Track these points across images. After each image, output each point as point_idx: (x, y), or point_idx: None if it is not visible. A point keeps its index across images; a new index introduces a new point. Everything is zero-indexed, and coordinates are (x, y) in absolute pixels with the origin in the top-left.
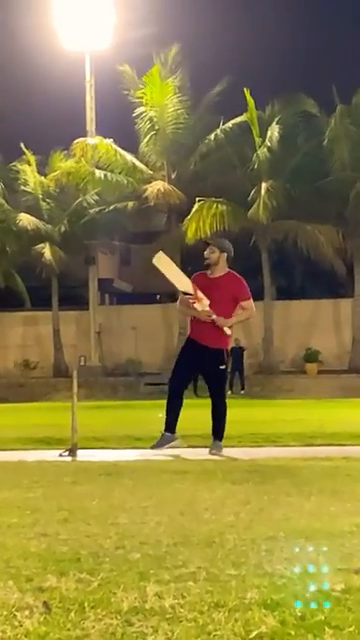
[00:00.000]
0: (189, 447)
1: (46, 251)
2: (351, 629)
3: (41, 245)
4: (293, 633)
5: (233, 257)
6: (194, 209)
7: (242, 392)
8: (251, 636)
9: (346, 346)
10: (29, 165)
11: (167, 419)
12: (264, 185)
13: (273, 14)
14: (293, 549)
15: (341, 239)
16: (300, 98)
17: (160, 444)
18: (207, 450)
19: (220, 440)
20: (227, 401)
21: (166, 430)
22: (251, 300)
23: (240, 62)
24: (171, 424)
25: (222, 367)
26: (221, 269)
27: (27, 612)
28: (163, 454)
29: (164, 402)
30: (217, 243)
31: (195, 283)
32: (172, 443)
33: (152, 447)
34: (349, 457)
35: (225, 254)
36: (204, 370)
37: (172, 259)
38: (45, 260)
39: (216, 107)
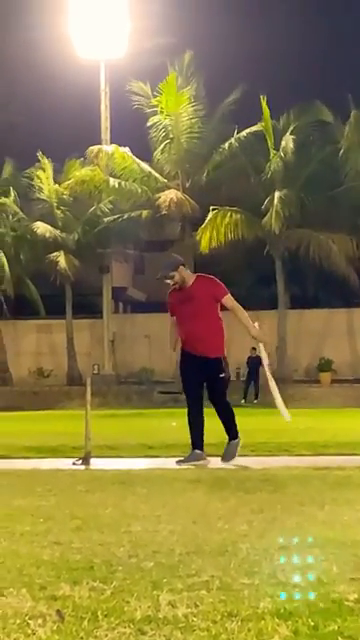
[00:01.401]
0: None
1: (60, 259)
2: None
3: (56, 253)
4: None
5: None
6: (208, 218)
7: (255, 401)
8: None
9: (359, 355)
10: (44, 172)
11: (192, 436)
12: (277, 194)
13: (287, 22)
14: (306, 558)
15: (355, 248)
16: (315, 106)
17: (186, 460)
18: (220, 459)
19: (236, 438)
20: (241, 410)
21: (194, 448)
22: (229, 294)
23: (255, 71)
24: (197, 441)
25: (222, 375)
26: (190, 278)
27: (40, 620)
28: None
29: (177, 410)
30: (170, 269)
31: (172, 299)
32: (199, 462)
33: (178, 462)
34: None
35: (180, 267)
36: (207, 380)
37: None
38: (59, 268)
39: (230, 116)
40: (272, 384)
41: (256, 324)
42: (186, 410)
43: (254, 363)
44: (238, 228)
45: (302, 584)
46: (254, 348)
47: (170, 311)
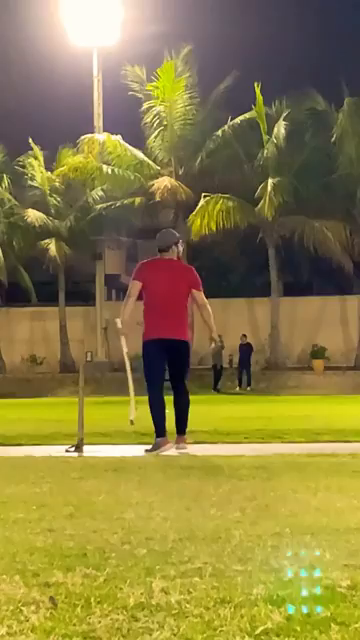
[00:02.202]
0: (195, 443)
1: (51, 247)
2: (357, 625)
3: (47, 241)
4: (299, 629)
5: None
6: (200, 205)
7: (248, 388)
8: (257, 632)
9: (353, 343)
10: (36, 159)
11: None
12: (270, 181)
13: (281, 10)
14: (299, 545)
15: (348, 235)
16: (308, 94)
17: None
18: (214, 446)
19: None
20: (235, 397)
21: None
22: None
23: (248, 58)
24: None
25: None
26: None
27: (33, 607)
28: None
29: (171, 398)
30: (174, 239)
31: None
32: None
33: (146, 451)
34: (355, 454)
35: (180, 241)
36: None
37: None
38: (50, 256)
39: (224, 104)
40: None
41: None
42: (187, 396)
43: (245, 350)
44: (230, 215)
45: (295, 570)
46: (244, 335)
47: (139, 278)
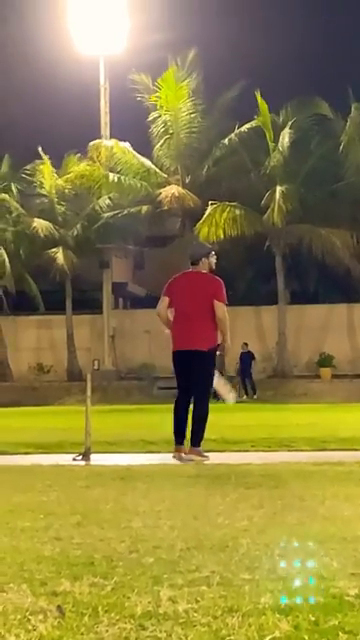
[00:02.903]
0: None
1: (58, 255)
2: None
3: (54, 249)
4: (307, 638)
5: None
6: (207, 213)
7: (255, 397)
8: None
9: None
10: (45, 167)
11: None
12: (278, 189)
13: (288, 17)
14: (307, 554)
15: (355, 243)
16: (314, 101)
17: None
18: (220, 454)
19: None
20: (241, 406)
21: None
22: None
23: (255, 66)
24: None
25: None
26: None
27: (41, 616)
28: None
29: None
30: (206, 251)
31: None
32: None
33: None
34: None
35: (212, 252)
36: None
37: (185, 263)
38: (57, 264)
39: (231, 111)
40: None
41: None
42: (205, 408)
43: (246, 358)
44: (237, 223)
45: (303, 579)
46: (246, 344)
47: (167, 293)
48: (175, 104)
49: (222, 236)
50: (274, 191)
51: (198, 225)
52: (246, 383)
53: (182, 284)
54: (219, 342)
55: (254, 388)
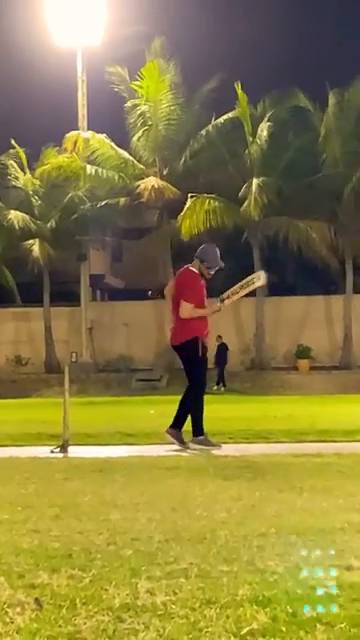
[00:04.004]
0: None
1: (35, 247)
2: (342, 625)
3: (30, 241)
4: (284, 629)
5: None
6: (187, 205)
7: (222, 389)
8: (242, 632)
9: (338, 342)
10: (18, 160)
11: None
12: (255, 181)
13: (266, 9)
14: (285, 545)
15: (333, 235)
16: (292, 93)
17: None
18: (198, 446)
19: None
20: (217, 397)
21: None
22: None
23: (233, 58)
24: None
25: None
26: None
27: (19, 609)
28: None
29: (155, 398)
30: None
31: (200, 286)
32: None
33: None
34: (340, 453)
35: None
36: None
37: (163, 255)
38: (33, 256)
39: (209, 103)
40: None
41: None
42: (189, 396)
43: (220, 350)
44: (217, 215)
45: (280, 571)
46: (220, 336)
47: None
48: (155, 96)
49: (201, 228)
50: (251, 183)
51: (179, 217)
52: (220, 374)
53: (173, 280)
54: (195, 334)
55: (223, 380)
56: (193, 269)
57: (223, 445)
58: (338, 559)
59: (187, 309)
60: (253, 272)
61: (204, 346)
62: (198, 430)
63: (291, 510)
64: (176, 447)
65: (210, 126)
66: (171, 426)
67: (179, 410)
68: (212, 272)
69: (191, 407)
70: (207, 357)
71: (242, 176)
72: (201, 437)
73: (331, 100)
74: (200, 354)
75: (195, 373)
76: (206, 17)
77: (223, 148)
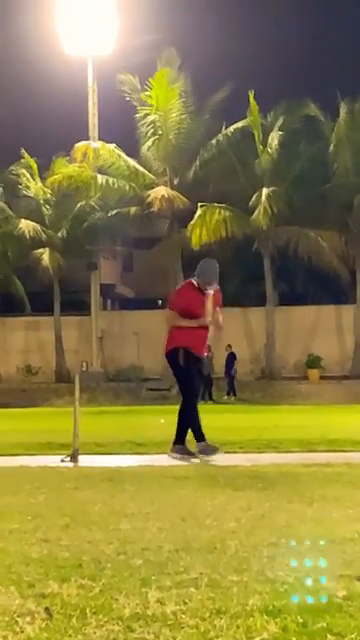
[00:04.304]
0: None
1: (45, 256)
2: (353, 636)
3: (40, 250)
4: None
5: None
6: (197, 215)
7: (233, 398)
8: None
9: (348, 352)
10: (29, 170)
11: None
12: (265, 191)
13: (277, 20)
14: (295, 556)
15: (344, 245)
16: (303, 103)
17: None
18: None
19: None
20: (228, 407)
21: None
22: None
23: (244, 68)
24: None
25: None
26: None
27: (29, 618)
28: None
29: (166, 407)
30: (217, 277)
31: (194, 298)
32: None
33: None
34: (351, 463)
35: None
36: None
37: (173, 264)
38: (43, 266)
39: (219, 113)
40: None
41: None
42: (182, 406)
43: (229, 359)
44: (227, 225)
45: (291, 581)
46: (229, 345)
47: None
48: (165, 105)
49: (212, 238)
50: (261, 193)
51: (189, 227)
52: (230, 384)
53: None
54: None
55: (234, 389)
56: (193, 281)
57: (233, 455)
58: (348, 569)
59: (166, 315)
60: (263, 281)
61: (194, 356)
62: (198, 437)
63: (301, 520)
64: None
65: (220, 135)
66: (174, 442)
67: (178, 424)
68: (209, 288)
69: (188, 418)
70: (197, 367)
71: (253, 186)
72: (202, 443)
73: (342, 110)
74: (183, 364)
75: (180, 382)
76: (217, 26)
77: (234, 157)
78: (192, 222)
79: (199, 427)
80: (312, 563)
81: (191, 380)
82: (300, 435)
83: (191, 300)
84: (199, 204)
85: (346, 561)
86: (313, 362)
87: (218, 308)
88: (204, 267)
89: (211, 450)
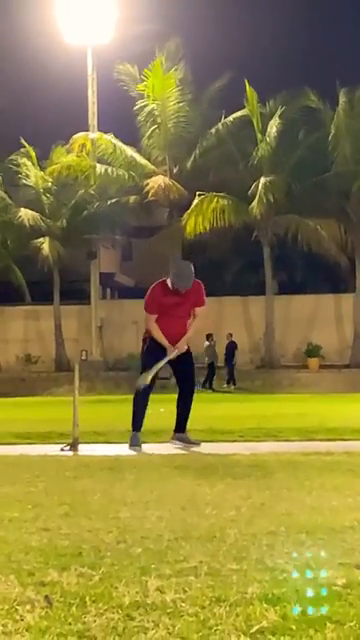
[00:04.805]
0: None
1: (44, 245)
2: (352, 624)
3: (40, 239)
4: (294, 628)
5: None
6: (194, 203)
7: (233, 387)
8: (252, 631)
9: (347, 341)
10: (29, 159)
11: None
12: (262, 180)
13: (276, 7)
14: (294, 544)
15: (343, 234)
16: (302, 92)
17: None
18: (208, 444)
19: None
20: (228, 396)
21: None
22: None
23: (243, 56)
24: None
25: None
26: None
27: (28, 606)
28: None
29: (165, 397)
30: (191, 280)
31: (162, 298)
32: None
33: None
34: (350, 452)
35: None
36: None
37: (173, 253)
38: (43, 254)
39: (218, 102)
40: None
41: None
42: (179, 395)
43: (229, 348)
44: (225, 214)
45: (290, 569)
46: (230, 334)
47: (156, 307)
48: (162, 93)
49: (209, 227)
50: (259, 182)
51: (185, 215)
52: (230, 373)
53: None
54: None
55: (233, 378)
56: (168, 281)
57: (233, 444)
58: (348, 557)
59: (144, 317)
60: (263, 270)
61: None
62: (136, 426)
63: (301, 508)
64: (187, 447)
65: (220, 124)
66: (175, 430)
67: (177, 413)
68: (179, 288)
69: (133, 403)
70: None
71: (252, 174)
72: (137, 433)
73: (341, 99)
74: (143, 352)
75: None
76: (215, 15)
77: (233, 146)
78: (188, 211)
79: (142, 417)
80: (311, 551)
81: (146, 370)
82: (299, 424)
83: (162, 303)
84: (198, 193)
85: (345, 549)
86: (312, 351)
87: (197, 309)
88: (178, 270)
89: (137, 441)
